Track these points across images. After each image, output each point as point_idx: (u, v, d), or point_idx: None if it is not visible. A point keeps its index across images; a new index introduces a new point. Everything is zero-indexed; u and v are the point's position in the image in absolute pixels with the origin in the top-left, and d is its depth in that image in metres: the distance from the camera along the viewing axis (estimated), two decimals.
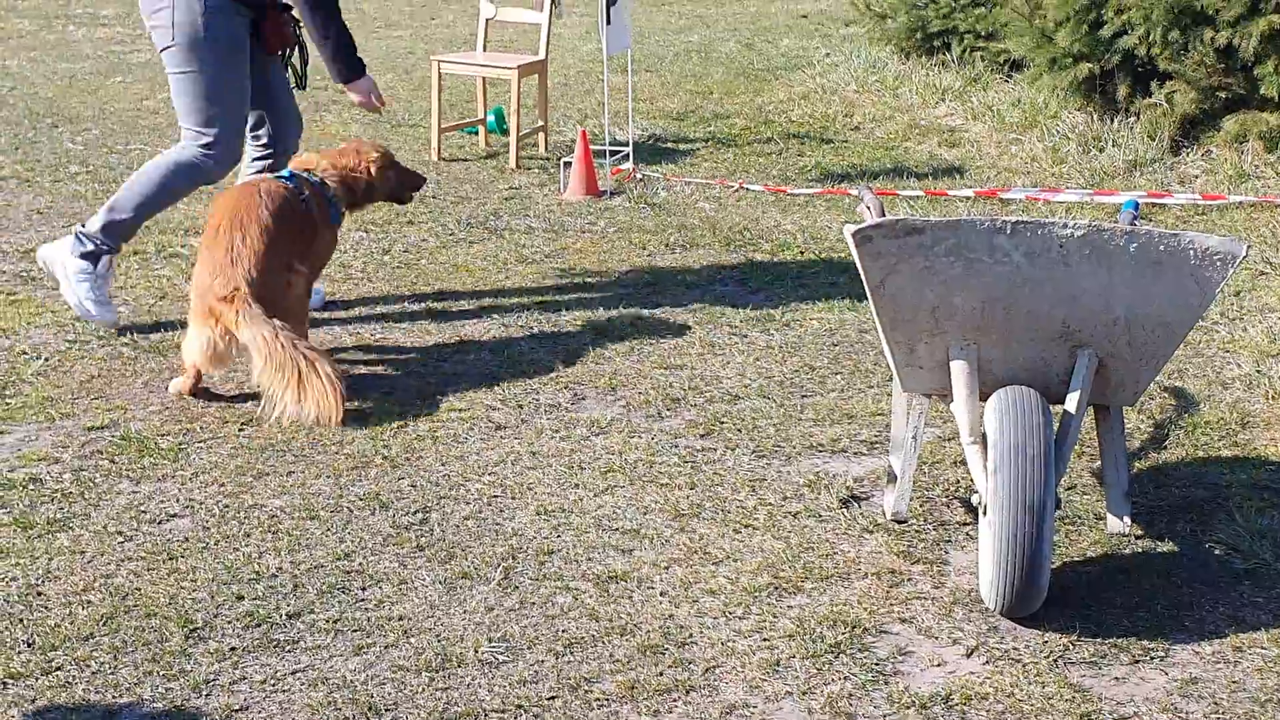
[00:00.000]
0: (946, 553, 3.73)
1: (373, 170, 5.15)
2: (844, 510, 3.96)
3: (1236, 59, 7.29)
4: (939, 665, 3.22)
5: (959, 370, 3.52)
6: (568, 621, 3.38)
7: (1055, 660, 3.23)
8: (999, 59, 9.15)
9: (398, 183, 5.30)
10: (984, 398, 3.54)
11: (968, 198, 7.00)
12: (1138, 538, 3.79)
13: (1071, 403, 3.48)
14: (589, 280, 5.97)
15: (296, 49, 5.47)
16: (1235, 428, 4.46)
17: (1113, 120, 7.84)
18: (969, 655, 3.26)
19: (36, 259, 5.52)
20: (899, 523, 3.84)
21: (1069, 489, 4.05)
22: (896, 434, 3.87)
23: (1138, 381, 3.53)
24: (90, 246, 5.21)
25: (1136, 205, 4.17)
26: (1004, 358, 3.51)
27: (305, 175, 4.99)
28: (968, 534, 3.80)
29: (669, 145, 8.50)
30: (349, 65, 5.34)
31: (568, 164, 7.35)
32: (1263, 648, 3.28)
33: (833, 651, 3.26)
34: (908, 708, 3.06)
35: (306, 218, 4.87)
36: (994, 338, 3.48)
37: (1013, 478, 3.23)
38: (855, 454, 4.33)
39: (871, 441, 4.40)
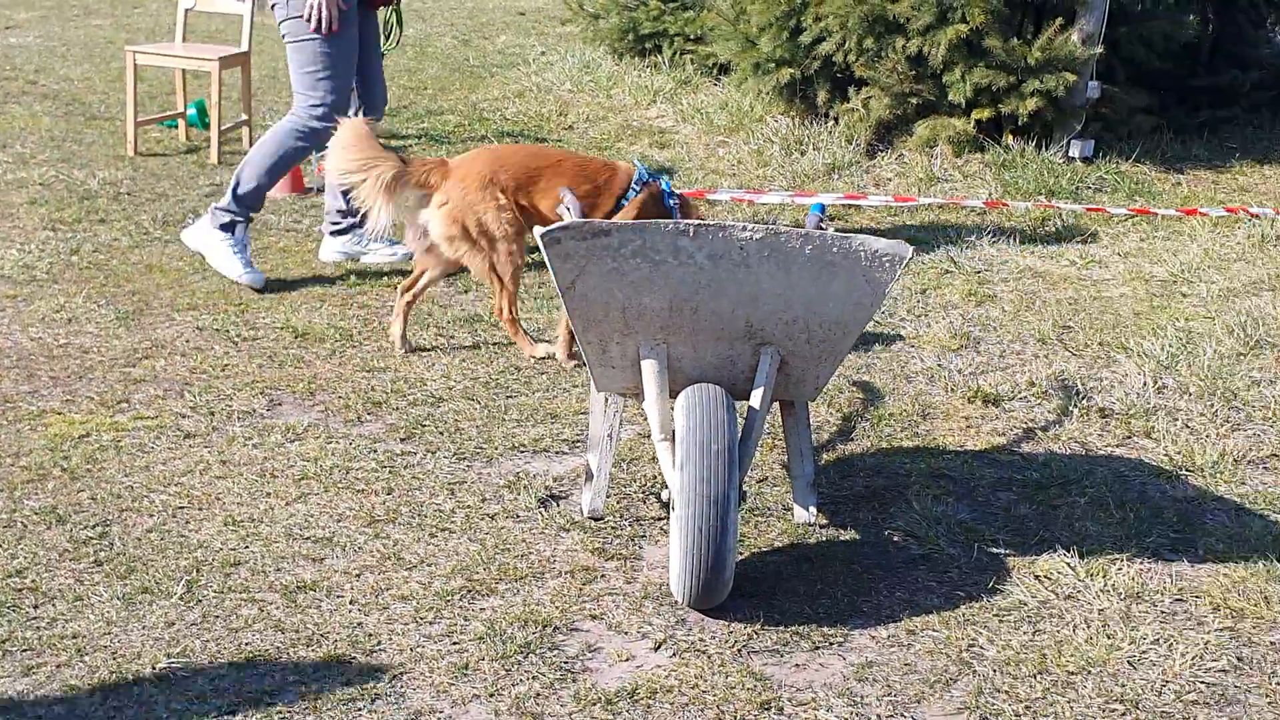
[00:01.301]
0: (641, 548, 3.78)
1: None
2: (542, 510, 3.97)
3: (927, 66, 7.64)
4: (627, 660, 3.27)
5: (649, 369, 3.58)
6: (251, 634, 3.29)
7: (739, 650, 3.32)
8: (708, 62, 9.35)
9: None
10: (675, 395, 3.61)
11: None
12: (823, 527, 3.92)
13: (756, 399, 3.58)
14: (292, 280, 5.84)
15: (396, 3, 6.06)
16: (917, 419, 4.67)
17: (813, 124, 8.10)
18: (657, 649, 3.32)
19: (184, 242, 5.88)
20: (595, 520, 3.87)
21: (759, 481, 4.17)
22: (594, 432, 3.91)
23: (818, 377, 3.65)
24: (226, 218, 5.68)
25: (823, 208, 4.31)
26: (692, 356, 3.58)
27: (665, 190, 5.20)
28: (662, 529, 3.87)
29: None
30: None
31: None
32: (934, 630, 3.43)
33: (522, 652, 3.27)
34: (594, 704, 3.09)
35: (610, 198, 5.10)
36: (682, 337, 3.55)
37: (698, 473, 3.30)
38: (557, 453, 4.36)
39: (573, 440, 4.43)
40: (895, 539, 3.88)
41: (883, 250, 3.39)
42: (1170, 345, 5.31)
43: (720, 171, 7.82)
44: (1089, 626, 3.45)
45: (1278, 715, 3.10)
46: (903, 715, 3.09)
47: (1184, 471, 4.32)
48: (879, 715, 3.09)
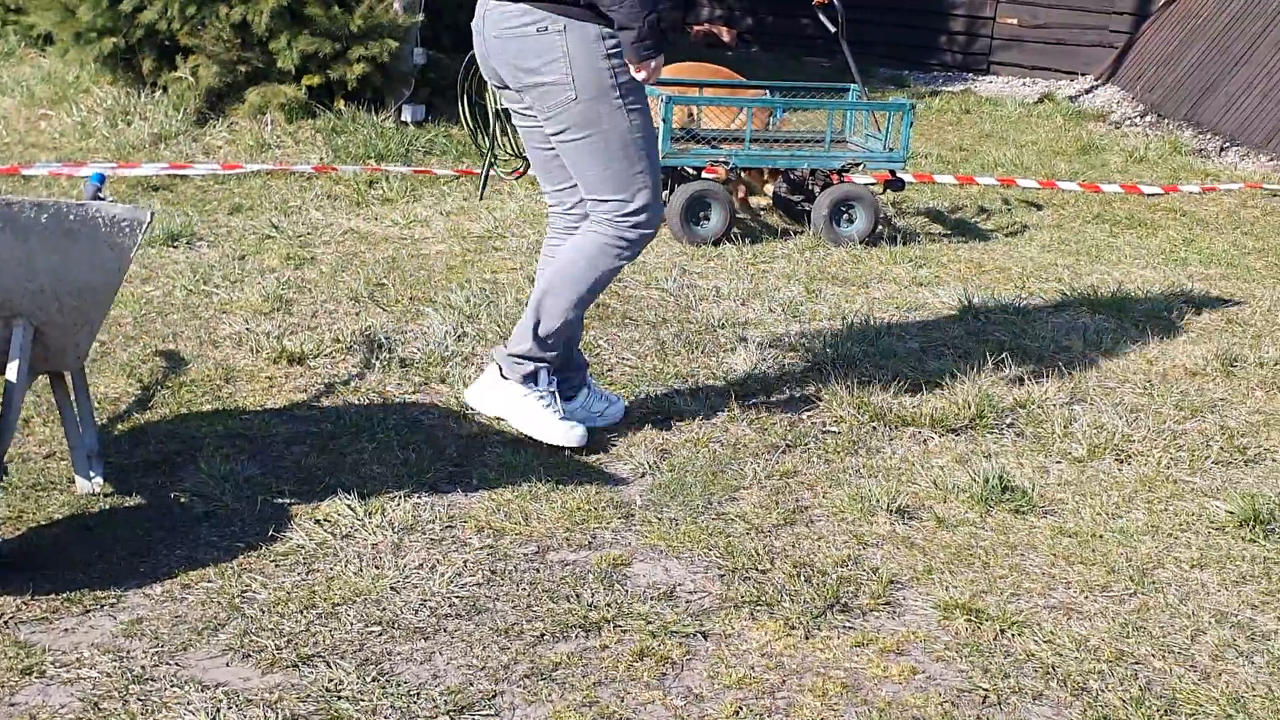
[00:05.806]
0: None
1: None
2: None
3: (253, 34, 7.72)
4: None
5: None
6: None
7: (5, 623, 3.31)
8: (31, 32, 8.97)
9: None
10: None
11: None
12: (108, 495, 3.95)
13: (11, 373, 3.55)
14: None
15: None
16: (220, 383, 4.77)
17: (141, 94, 7.98)
18: None
19: (470, 404, 4.62)
20: None
21: (46, 457, 4.13)
22: None
23: (78, 345, 3.68)
24: (528, 367, 4.44)
25: (102, 178, 4.30)
26: None
27: None
28: None
29: None
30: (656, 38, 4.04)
31: None
32: (210, 581, 3.56)
33: None
34: None
35: None
36: None
37: None
38: None
39: None
40: (181, 500, 3.97)
41: (121, 215, 3.46)
42: (475, 296, 5.70)
43: (41, 145, 7.55)
44: (360, 560, 3.70)
45: (520, 616, 3.47)
46: (169, 664, 3.21)
47: (471, 411, 4.68)
48: (144, 666, 3.19)
